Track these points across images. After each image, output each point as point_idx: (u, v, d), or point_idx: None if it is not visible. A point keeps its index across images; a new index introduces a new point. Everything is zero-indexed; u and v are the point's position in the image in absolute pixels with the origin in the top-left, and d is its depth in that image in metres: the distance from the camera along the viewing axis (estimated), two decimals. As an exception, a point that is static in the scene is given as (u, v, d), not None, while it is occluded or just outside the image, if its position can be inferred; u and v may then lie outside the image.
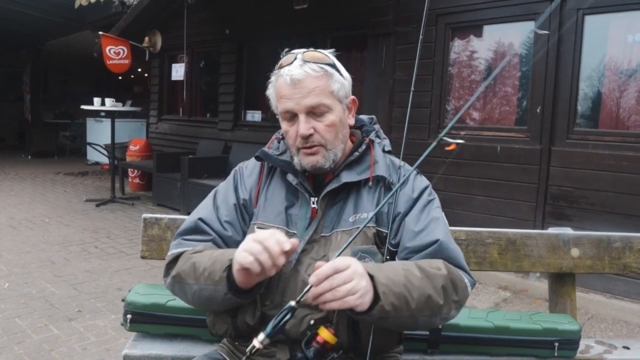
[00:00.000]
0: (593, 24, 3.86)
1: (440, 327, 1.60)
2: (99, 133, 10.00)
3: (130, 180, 8.12)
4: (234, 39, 6.86)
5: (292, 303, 1.03)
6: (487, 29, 4.51)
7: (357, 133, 1.38)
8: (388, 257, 1.24)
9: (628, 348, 1.75)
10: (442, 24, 4.62)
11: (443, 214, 1.29)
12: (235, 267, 1.08)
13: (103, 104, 6.93)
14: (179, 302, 1.57)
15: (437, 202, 1.31)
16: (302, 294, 1.02)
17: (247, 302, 1.19)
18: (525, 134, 4.20)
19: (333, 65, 1.25)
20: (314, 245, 1.24)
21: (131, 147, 8.21)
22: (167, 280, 1.26)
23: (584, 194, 3.85)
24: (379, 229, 1.25)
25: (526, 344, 1.61)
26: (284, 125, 1.27)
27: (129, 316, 1.65)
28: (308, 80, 1.19)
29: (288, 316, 1.03)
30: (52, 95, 14.34)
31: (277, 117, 1.31)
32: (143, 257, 1.80)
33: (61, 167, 10.19)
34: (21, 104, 13.94)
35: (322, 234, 1.24)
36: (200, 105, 8.00)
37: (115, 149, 7.40)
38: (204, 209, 1.32)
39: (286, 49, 1.29)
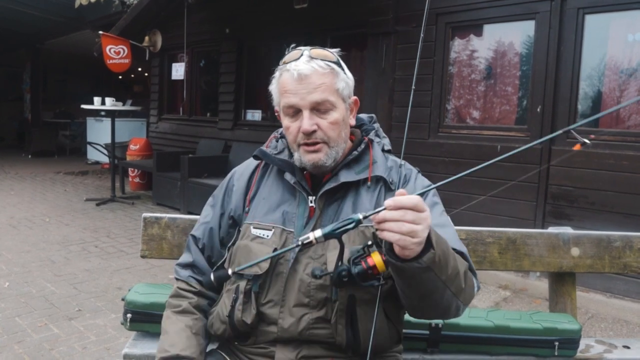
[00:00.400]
0: (593, 23, 3.86)
1: (440, 325, 1.60)
2: (99, 132, 10.00)
3: (130, 179, 8.12)
4: (234, 39, 6.86)
5: (360, 215, 1.01)
6: (487, 28, 4.50)
7: (357, 132, 1.37)
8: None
9: (628, 347, 1.75)
10: (442, 23, 4.61)
11: (449, 217, 1.28)
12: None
13: (103, 103, 6.93)
14: (178, 302, 1.57)
15: (441, 206, 1.30)
16: (372, 212, 0.99)
17: None
18: (525, 133, 4.19)
19: (339, 64, 1.25)
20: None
21: (131, 147, 8.21)
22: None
23: (584, 193, 3.85)
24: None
25: (526, 344, 1.61)
26: (286, 120, 1.26)
27: (128, 315, 1.65)
28: (315, 76, 1.19)
29: (351, 225, 1.01)
30: (52, 94, 14.34)
31: (276, 114, 1.31)
32: (143, 257, 1.80)
33: (61, 167, 10.18)
34: (21, 103, 13.95)
35: None
36: (201, 104, 8.00)
37: (116, 149, 7.40)
38: (197, 225, 1.43)
39: (292, 45, 1.29)
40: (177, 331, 1.29)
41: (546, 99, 4.03)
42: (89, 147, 10.07)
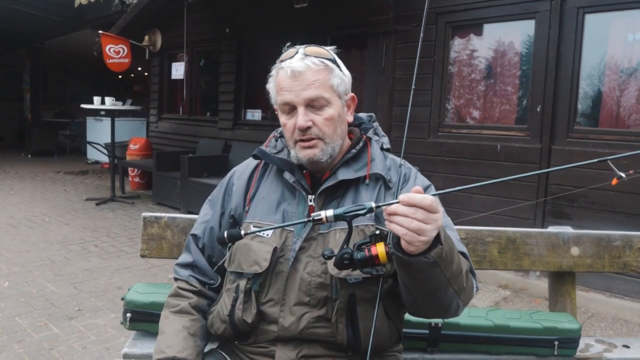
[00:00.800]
0: (593, 22, 3.86)
1: (440, 325, 1.60)
2: (99, 132, 10.00)
3: (130, 179, 8.12)
4: (234, 38, 6.86)
5: (372, 204, 1.03)
6: (487, 28, 4.50)
7: (356, 131, 1.38)
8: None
9: (628, 347, 1.75)
10: (442, 22, 4.61)
11: (449, 218, 1.28)
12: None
13: (103, 102, 6.92)
14: (178, 301, 1.57)
15: (442, 208, 1.30)
16: (385, 203, 1.01)
17: None
18: (525, 133, 4.19)
19: (334, 61, 1.26)
20: (311, 242, 1.24)
21: (131, 146, 8.20)
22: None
23: (584, 193, 3.85)
24: (378, 227, 1.24)
25: (526, 343, 1.60)
26: (283, 118, 1.27)
27: (128, 315, 1.65)
28: (308, 73, 1.20)
29: (362, 211, 1.03)
30: (51, 94, 14.34)
31: (276, 113, 1.31)
32: (143, 256, 1.80)
33: (61, 166, 10.18)
34: (21, 103, 13.95)
35: (320, 232, 1.24)
36: (200, 104, 8.00)
37: (116, 148, 7.40)
38: (196, 224, 1.42)
39: (288, 44, 1.30)
40: (175, 332, 1.28)
41: (546, 98, 4.03)
42: (88, 147, 10.07)
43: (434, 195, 1.02)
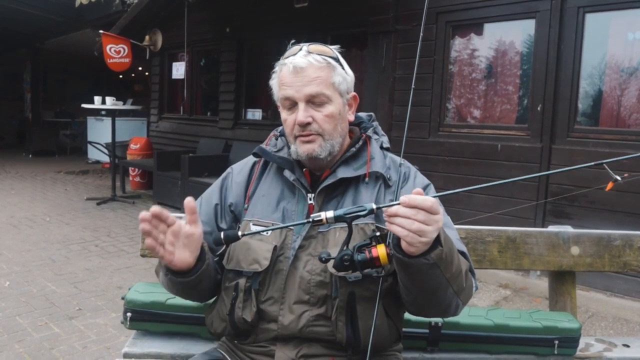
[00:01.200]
0: (594, 22, 3.86)
1: (440, 324, 1.60)
2: (99, 132, 10.00)
3: (130, 178, 8.12)
4: (235, 38, 6.86)
5: (373, 205, 1.03)
6: (488, 27, 4.50)
7: (355, 130, 1.38)
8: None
9: (628, 346, 1.75)
10: (443, 22, 4.61)
11: (449, 217, 1.28)
12: None
13: (104, 102, 6.93)
14: (178, 300, 1.57)
15: (442, 207, 1.30)
16: (386, 205, 1.02)
17: (193, 280, 1.17)
18: (525, 132, 4.19)
19: (336, 59, 1.26)
20: (311, 241, 1.24)
21: (132, 146, 8.21)
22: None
23: (584, 192, 3.84)
24: (378, 225, 1.24)
25: (526, 342, 1.60)
26: (284, 113, 1.27)
27: (128, 314, 1.65)
28: (310, 69, 1.21)
29: (363, 213, 1.04)
30: (52, 94, 14.34)
31: (278, 109, 1.32)
32: (143, 256, 1.80)
33: (62, 166, 10.19)
34: (21, 102, 13.95)
35: (320, 230, 1.24)
36: (201, 103, 8.00)
37: (116, 148, 7.40)
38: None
39: (293, 41, 1.31)
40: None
41: (546, 98, 4.03)
42: (89, 147, 10.07)
43: (434, 196, 1.02)
